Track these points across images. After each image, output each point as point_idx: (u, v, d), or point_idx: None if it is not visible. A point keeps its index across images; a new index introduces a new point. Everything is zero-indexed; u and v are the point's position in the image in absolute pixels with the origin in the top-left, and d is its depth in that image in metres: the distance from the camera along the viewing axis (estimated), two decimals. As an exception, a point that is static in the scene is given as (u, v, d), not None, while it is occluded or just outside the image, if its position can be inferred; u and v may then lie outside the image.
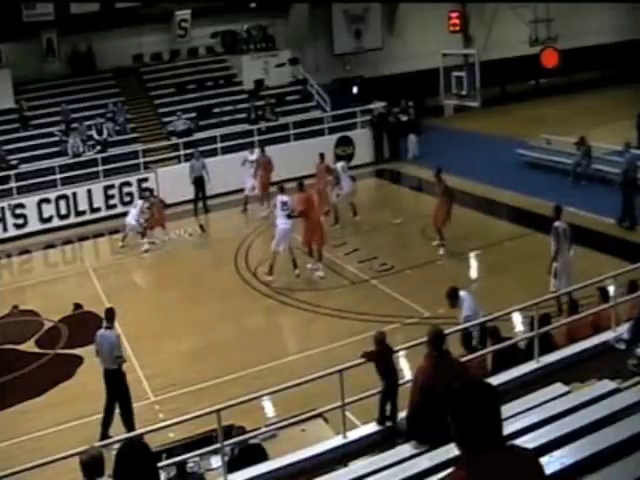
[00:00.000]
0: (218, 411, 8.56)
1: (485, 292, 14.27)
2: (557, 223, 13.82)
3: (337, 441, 8.87)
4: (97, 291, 17.85)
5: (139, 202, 21.37)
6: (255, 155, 23.52)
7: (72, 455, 7.42)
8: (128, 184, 24.44)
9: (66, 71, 27.70)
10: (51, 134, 25.57)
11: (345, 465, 8.13)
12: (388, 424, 8.91)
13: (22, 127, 25.64)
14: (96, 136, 25.37)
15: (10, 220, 22.90)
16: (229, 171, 23.31)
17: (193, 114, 27.00)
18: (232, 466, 8.54)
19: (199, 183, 23.35)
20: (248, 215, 22.87)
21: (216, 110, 27.58)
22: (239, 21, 29.64)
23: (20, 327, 16.47)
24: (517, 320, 13.27)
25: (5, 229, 22.85)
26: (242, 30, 29.67)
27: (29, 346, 15.44)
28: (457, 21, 30.45)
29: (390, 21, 32.81)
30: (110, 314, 11.77)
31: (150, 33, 29.04)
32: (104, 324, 11.75)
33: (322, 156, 22.14)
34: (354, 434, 8.94)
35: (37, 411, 12.76)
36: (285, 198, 17.45)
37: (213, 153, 25.17)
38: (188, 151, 24.60)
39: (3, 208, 22.86)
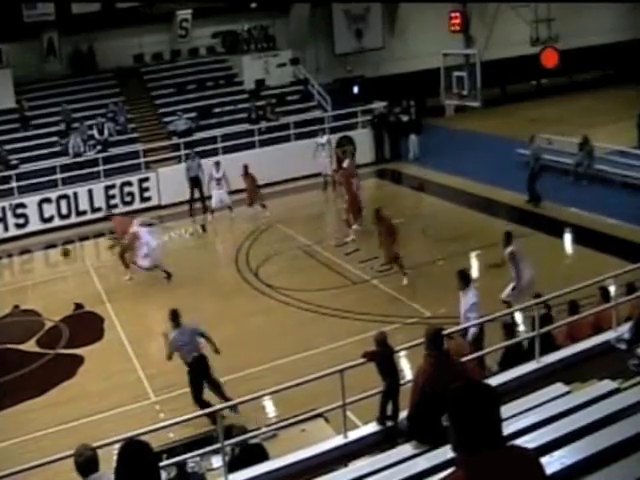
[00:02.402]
0: (218, 411, 8.59)
1: (485, 292, 14.22)
2: (511, 248, 13.30)
3: (338, 441, 8.87)
4: (98, 291, 17.86)
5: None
6: (325, 138, 24.78)
7: (72, 455, 7.41)
8: (129, 184, 24.46)
9: (67, 71, 27.72)
10: (52, 134, 25.60)
11: (346, 465, 8.13)
12: (389, 424, 8.91)
13: (23, 127, 25.66)
14: (97, 136, 25.39)
15: (11, 220, 22.93)
16: (230, 171, 23.26)
17: (194, 114, 27.01)
18: (233, 466, 8.54)
19: (195, 183, 23.39)
20: (327, 194, 24.31)
21: (217, 110, 27.58)
22: (240, 21, 29.63)
23: (21, 327, 16.47)
24: (518, 320, 13.26)
25: (6, 229, 22.88)
26: (243, 30, 29.66)
27: (30, 346, 15.44)
28: (458, 21, 30.41)
29: (391, 21, 32.82)
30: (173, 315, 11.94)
31: (151, 33, 29.06)
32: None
33: (342, 158, 22.46)
34: (355, 434, 8.93)
35: (38, 411, 12.75)
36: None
37: (214, 153, 25.17)
38: (189, 151, 24.62)
39: (4, 208, 22.90)
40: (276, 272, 18.01)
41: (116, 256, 18.58)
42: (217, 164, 22.62)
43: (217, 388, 11.71)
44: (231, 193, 22.55)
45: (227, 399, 11.22)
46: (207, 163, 23.39)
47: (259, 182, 22.82)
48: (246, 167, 22.38)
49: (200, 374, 11.70)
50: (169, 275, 17.91)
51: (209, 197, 22.94)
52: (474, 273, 17.54)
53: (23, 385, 13.79)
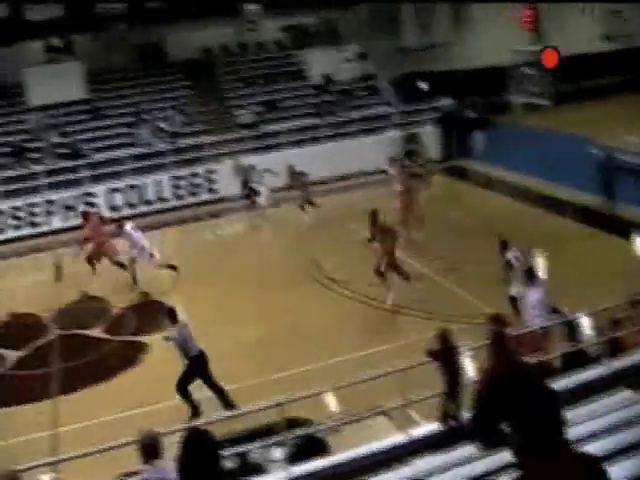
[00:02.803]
0: (282, 404, 8.63)
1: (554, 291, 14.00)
2: (508, 256, 13.37)
3: (400, 439, 8.86)
4: (164, 279, 18.10)
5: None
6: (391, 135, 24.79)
7: (136, 441, 7.53)
8: (196, 175, 24.79)
9: (137, 63, 28.20)
10: (122, 125, 26.09)
11: (406, 463, 8.11)
12: (451, 423, 8.86)
13: (94, 118, 26.21)
14: (165, 127, 25.79)
15: (82, 208, 23.44)
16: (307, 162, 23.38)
17: (261, 107, 27.20)
18: (294, 458, 8.60)
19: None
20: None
21: (284, 104, 27.73)
22: (308, 15, 29.72)
23: (88, 313, 16.84)
24: (585, 323, 12.98)
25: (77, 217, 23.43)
26: (311, 24, 29.75)
27: (97, 332, 15.79)
28: (529, 17, 29.96)
29: (460, 16, 32.44)
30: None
31: (220, 26, 29.33)
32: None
33: (396, 161, 22.11)
34: (417, 432, 8.91)
35: (101, 397, 12.95)
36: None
37: (280, 147, 25.36)
38: (256, 144, 24.89)
39: (75, 197, 23.46)
40: (339, 266, 18.00)
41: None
42: (253, 168, 22.91)
43: (220, 392, 11.75)
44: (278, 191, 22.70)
45: (230, 404, 11.39)
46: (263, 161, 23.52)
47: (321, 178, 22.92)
48: (292, 167, 22.39)
49: (200, 370, 11.79)
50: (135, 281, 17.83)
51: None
52: (540, 272, 17.28)
53: (89, 371, 14.07)
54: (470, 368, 9.08)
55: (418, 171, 22.39)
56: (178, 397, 11.69)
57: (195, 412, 11.49)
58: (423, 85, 30.57)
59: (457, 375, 9.09)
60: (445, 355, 9.04)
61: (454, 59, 31.46)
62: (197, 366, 11.77)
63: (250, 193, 22.95)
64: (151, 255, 17.64)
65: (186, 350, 11.83)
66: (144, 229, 19.06)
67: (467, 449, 7.97)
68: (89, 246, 18.35)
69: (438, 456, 8.10)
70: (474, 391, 8.08)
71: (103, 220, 19.40)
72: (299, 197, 22.04)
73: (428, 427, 9.05)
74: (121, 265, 18.00)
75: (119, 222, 18.53)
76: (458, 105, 28.43)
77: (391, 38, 31.25)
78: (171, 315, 12.03)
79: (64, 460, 8.65)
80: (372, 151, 24.82)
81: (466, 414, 8.68)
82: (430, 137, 27.32)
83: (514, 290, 12.92)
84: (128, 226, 18.06)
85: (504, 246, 13.72)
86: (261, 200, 22.64)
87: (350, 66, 29.11)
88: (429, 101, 28.23)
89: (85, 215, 19.32)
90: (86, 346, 15.16)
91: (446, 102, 28.13)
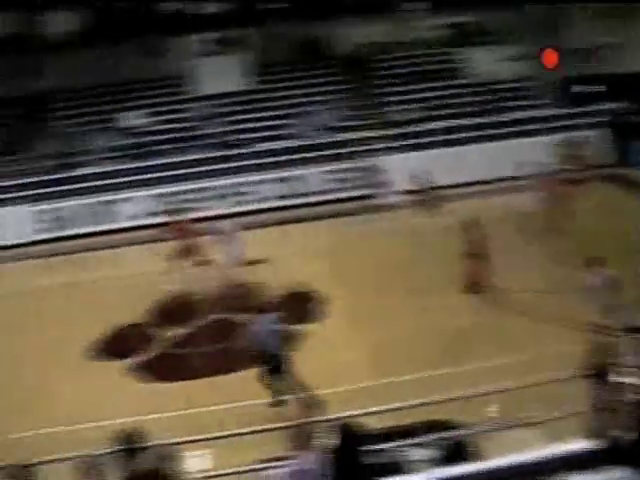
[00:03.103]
0: (427, 404, 8.61)
1: None
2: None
3: (546, 452, 8.61)
4: (324, 271, 18.32)
5: None
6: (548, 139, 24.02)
7: (281, 428, 7.66)
8: (346, 170, 25.05)
9: (295, 57, 28.76)
10: (279, 117, 26.74)
11: (554, 478, 7.89)
12: (601, 442, 8.54)
13: (253, 110, 27.02)
14: (322, 122, 26.24)
15: (231, 198, 24.24)
16: (449, 165, 23.20)
17: (420, 105, 27.14)
18: (438, 461, 8.55)
19: None
20: None
21: (440, 102, 27.50)
22: (469, 14, 29.34)
23: (240, 299, 17.32)
24: None
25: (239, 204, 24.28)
26: (472, 22, 29.35)
27: (247, 318, 16.22)
28: None
29: (633, 14, 30.98)
30: None
31: (378, 23, 29.41)
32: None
33: (544, 166, 21.42)
34: (564, 448, 8.63)
35: (248, 381, 13.23)
36: None
37: (430, 146, 25.25)
38: (411, 141, 24.86)
39: (228, 186, 24.27)
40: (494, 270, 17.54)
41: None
42: (380, 169, 23.48)
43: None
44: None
45: None
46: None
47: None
48: (415, 172, 22.12)
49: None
50: None
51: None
52: None
53: (240, 354, 14.41)
54: (630, 385, 8.72)
55: (576, 177, 21.68)
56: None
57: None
58: (587, 88, 29.50)
59: (610, 392, 8.77)
60: (599, 369, 8.75)
61: (625, 60, 30.07)
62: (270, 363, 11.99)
63: (377, 194, 23.18)
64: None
65: (265, 345, 12.04)
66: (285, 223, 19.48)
67: (618, 471, 7.67)
68: (177, 246, 18.89)
69: (586, 475, 7.84)
70: (634, 411, 7.74)
71: (188, 221, 19.77)
72: (425, 202, 22.14)
73: (577, 444, 8.75)
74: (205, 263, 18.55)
75: (219, 224, 19.30)
76: (627, 110, 27.17)
77: (556, 38, 30.33)
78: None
79: (215, 438, 8.98)
80: (528, 155, 24.15)
81: (619, 434, 8.35)
82: (594, 143, 26.21)
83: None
84: (230, 230, 18.75)
85: (600, 264, 13.04)
86: (387, 201, 22.79)
87: (511, 66, 28.46)
88: (595, 105, 27.13)
89: (172, 217, 19.82)
90: (234, 331, 15.60)
91: (614, 106, 26.94)
